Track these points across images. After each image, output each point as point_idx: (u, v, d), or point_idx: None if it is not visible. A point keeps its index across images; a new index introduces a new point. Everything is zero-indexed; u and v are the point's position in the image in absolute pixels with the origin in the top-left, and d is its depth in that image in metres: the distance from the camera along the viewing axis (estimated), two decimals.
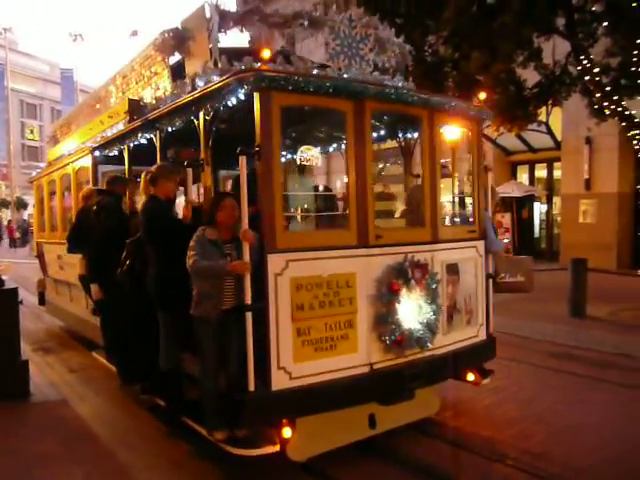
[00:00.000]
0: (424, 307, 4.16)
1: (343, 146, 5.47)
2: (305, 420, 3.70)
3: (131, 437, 4.55)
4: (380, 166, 10.05)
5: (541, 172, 18.17)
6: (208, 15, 4.53)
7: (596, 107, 9.43)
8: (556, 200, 17.31)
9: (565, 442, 4.41)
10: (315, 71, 3.90)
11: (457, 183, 5.46)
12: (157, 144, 4.96)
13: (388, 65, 4.84)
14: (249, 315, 3.57)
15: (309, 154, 6.12)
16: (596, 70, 9.01)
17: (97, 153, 6.44)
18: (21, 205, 39.85)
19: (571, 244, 14.92)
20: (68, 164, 7.54)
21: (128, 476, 3.91)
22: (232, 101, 3.79)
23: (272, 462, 3.74)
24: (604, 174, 14.89)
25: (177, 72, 5.03)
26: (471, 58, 9.47)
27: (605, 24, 8.96)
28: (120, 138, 5.70)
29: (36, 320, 9.97)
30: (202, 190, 4.56)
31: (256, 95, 3.57)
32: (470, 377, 4.80)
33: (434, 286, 4.24)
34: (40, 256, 9.34)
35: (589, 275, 8.81)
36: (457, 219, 5.60)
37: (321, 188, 6.85)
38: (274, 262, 3.59)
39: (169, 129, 4.70)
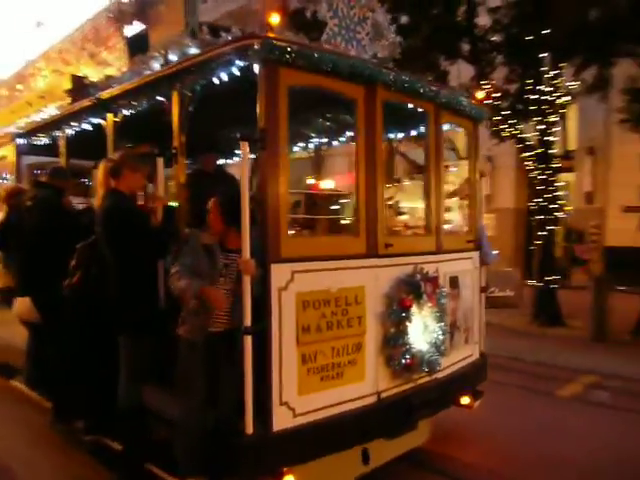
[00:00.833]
0: (435, 325, 3.67)
1: (337, 142, 4.88)
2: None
3: None
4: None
5: None
6: None
7: (495, 129, 9.89)
8: None
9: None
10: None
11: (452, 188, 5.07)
12: (109, 131, 4.14)
13: (381, 55, 4.36)
14: (248, 339, 2.87)
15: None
16: (496, 95, 9.49)
17: (21, 141, 5.43)
18: None
19: None
20: None
21: None
22: (220, 76, 3.13)
23: None
24: (502, 190, 15.52)
25: (135, 45, 4.24)
26: None
27: (502, 55, 9.68)
28: (56, 123, 4.78)
29: None
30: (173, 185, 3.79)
31: (261, 70, 2.91)
32: (465, 400, 4.33)
33: (443, 301, 3.78)
34: None
35: None
36: (452, 227, 5.22)
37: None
38: (278, 273, 2.94)
39: (126, 112, 3.93)
